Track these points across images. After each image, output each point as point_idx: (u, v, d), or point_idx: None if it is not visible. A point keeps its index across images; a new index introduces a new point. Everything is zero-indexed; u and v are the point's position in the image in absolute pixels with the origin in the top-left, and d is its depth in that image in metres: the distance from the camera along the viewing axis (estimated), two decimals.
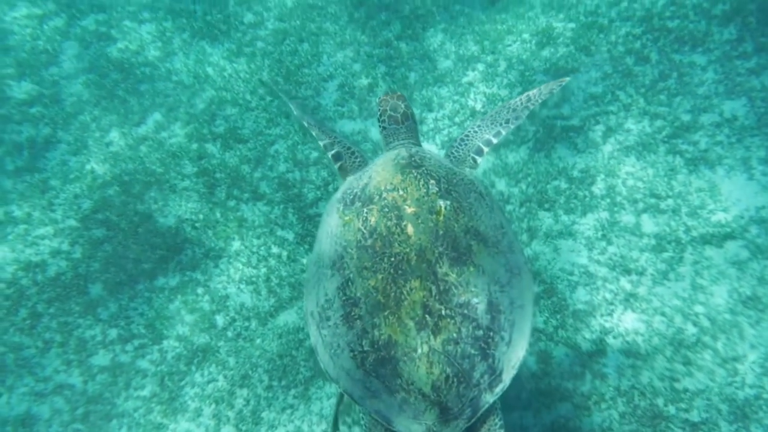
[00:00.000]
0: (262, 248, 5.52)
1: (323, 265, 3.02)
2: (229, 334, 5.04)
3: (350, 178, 3.40)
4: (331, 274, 2.93)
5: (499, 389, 2.76)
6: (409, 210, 2.90)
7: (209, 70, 6.87)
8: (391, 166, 3.12)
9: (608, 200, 5.39)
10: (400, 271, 2.74)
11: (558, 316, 4.81)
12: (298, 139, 6.16)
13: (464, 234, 2.87)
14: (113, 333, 5.03)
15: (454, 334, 2.66)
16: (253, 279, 5.34)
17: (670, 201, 5.27)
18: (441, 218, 2.88)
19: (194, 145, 6.24)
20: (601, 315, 4.77)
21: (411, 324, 2.66)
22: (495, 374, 2.75)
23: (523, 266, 3.06)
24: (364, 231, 2.90)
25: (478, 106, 6.22)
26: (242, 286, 5.31)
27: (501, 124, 3.88)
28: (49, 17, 7.23)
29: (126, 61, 6.92)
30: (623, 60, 6.21)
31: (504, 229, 3.09)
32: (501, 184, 5.66)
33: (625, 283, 4.92)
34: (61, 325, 5.05)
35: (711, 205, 5.17)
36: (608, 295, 4.87)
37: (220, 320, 5.12)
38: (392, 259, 2.78)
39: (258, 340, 5.00)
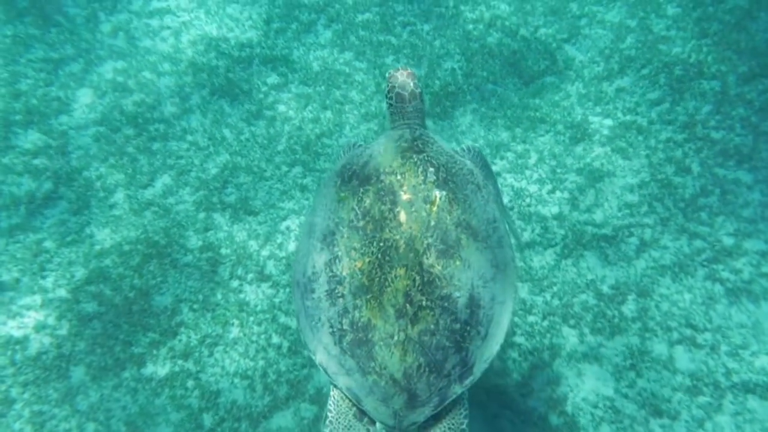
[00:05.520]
0: (263, 337, 5.13)
1: (314, 237, 3.08)
2: None
3: (351, 153, 3.42)
4: (321, 247, 2.99)
5: (468, 381, 2.85)
6: (405, 196, 2.93)
7: (226, 132, 6.56)
8: (392, 148, 3.13)
9: (639, 324, 4.98)
10: (387, 258, 2.80)
11: None
12: None
13: (455, 227, 2.90)
14: (90, 428, 4.59)
15: (432, 326, 2.75)
16: (249, 373, 4.93)
17: (707, 335, 4.85)
18: (435, 209, 2.91)
19: (201, 215, 5.88)
20: None
21: (391, 311, 2.74)
22: (467, 367, 2.83)
23: (510, 262, 3.09)
24: (358, 211, 2.95)
25: (505, 200, 5.87)
26: (236, 381, 4.90)
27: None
28: (66, 62, 6.95)
29: (140, 115, 6.61)
30: (663, 168, 5.86)
31: (496, 223, 3.12)
32: (523, 291, 5.27)
33: (655, 426, 4.48)
34: (33, 414, 4.62)
35: (754, 345, 4.75)
36: None
37: (207, 420, 4.69)
38: (381, 244, 2.83)
39: None
